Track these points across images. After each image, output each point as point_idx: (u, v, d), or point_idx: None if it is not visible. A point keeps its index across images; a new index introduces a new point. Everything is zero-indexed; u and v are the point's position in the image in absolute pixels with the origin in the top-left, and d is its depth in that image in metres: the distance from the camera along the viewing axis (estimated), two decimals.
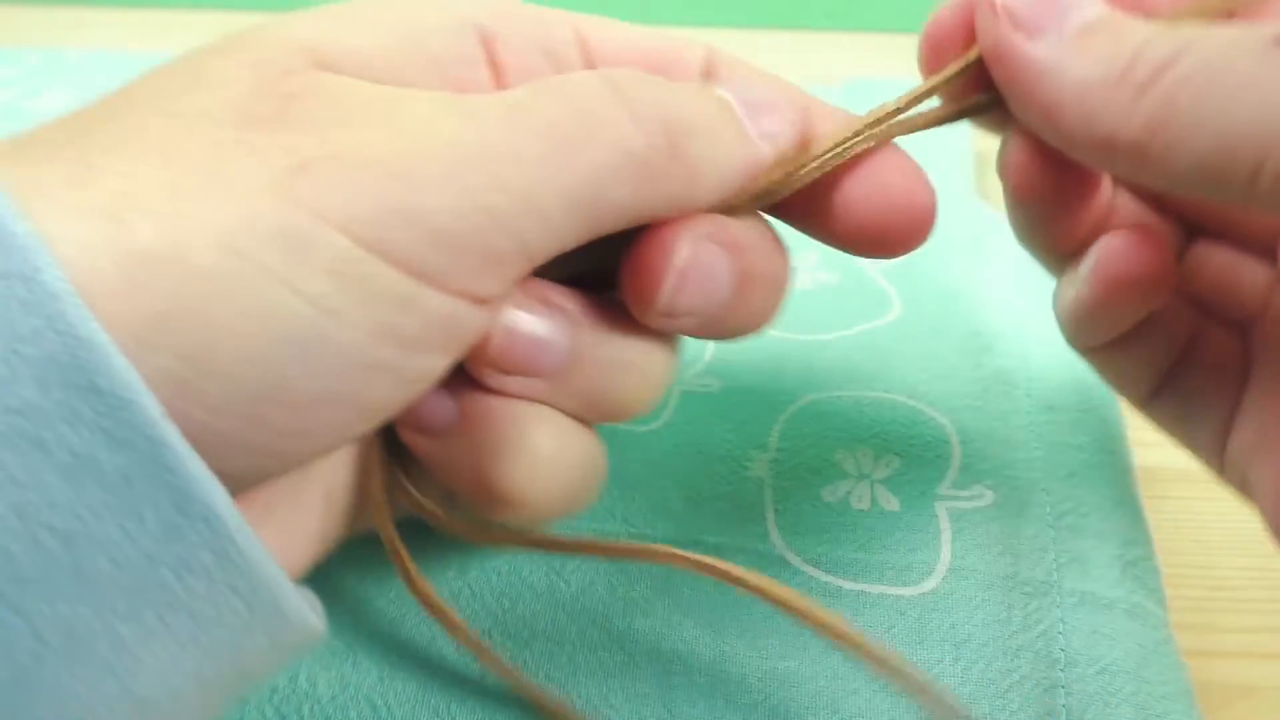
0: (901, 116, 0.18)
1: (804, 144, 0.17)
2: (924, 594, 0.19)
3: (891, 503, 0.21)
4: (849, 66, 0.51)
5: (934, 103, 0.18)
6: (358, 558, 0.20)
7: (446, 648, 0.18)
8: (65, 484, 0.11)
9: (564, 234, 0.15)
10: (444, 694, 0.18)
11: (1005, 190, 0.19)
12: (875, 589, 0.19)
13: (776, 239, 0.18)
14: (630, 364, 0.17)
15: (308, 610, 0.14)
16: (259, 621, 0.13)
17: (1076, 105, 0.15)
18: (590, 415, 0.17)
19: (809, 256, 0.29)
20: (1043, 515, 0.20)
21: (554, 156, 0.15)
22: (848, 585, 0.19)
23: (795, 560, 0.20)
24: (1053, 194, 0.18)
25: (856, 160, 0.17)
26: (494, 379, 0.16)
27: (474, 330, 0.15)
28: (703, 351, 0.24)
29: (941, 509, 0.21)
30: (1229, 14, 0.17)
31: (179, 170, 0.13)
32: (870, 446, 0.22)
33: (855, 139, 0.17)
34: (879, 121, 0.18)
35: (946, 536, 0.20)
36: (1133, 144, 0.15)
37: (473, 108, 0.15)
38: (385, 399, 0.14)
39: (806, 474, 0.21)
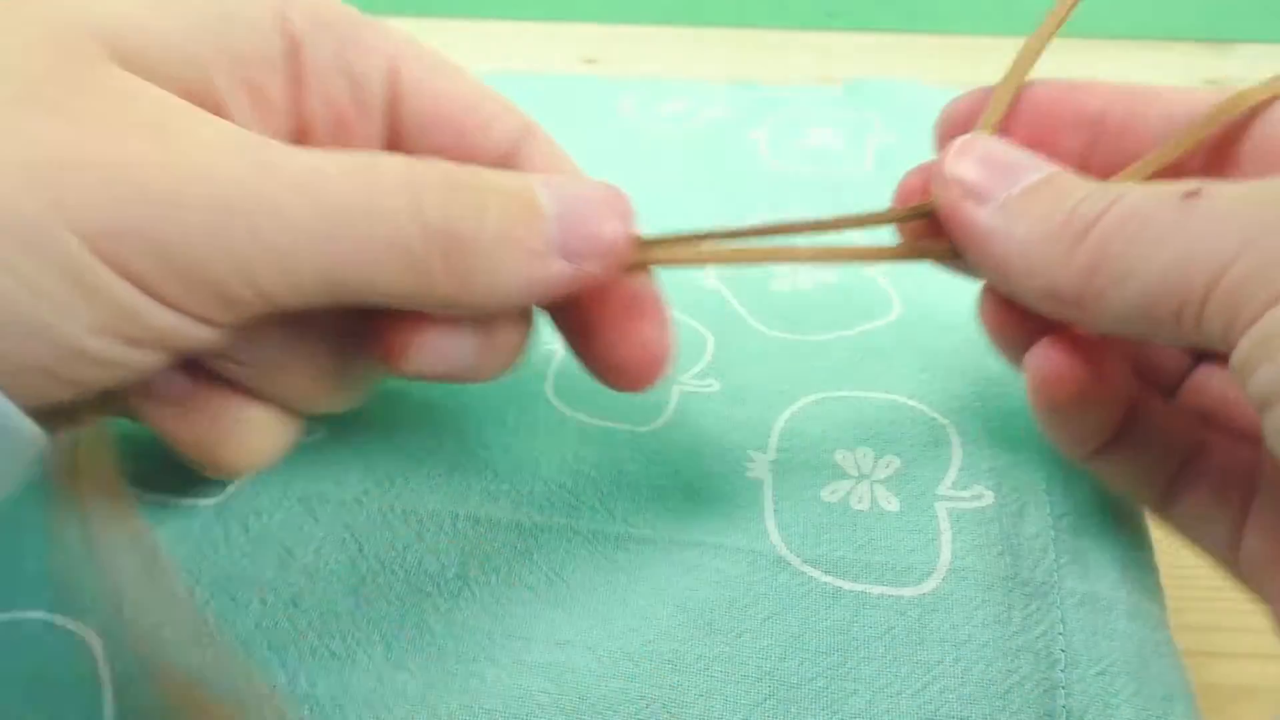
0: (857, 246, 0.19)
1: (627, 247, 0.17)
2: (924, 594, 0.19)
3: (892, 503, 0.21)
4: (848, 66, 0.51)
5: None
6: (356, 557, 0.20)
7: (447, 647, 0.18)
8: None
9: (313, 299, 0.15)
10: (443, 695, 0.18)
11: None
12: (875, 590, 0.19)
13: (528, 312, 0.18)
14: (329, 373, 0.18)
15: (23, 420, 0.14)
16: None
17: (1021, 260, 0.17)
18: (297, 408, 0.19)
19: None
20: (1043, 516, 0.20)
21: (328, 237, 0.14)
22: (848, 586, 0.19)
23: (795, 561, 0.20)
24: (1021, 337, 0.19)
25: (623, 309, 0.18)
26: (220, 366, 0.17)
27: (205, 340, 0.15)
28: (702, 352, 0.24)
29: (942, 509, 0.21)
30: (1177, 169, 0.19)
31: None
32: (870, 447, 0.22)
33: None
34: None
35: (946, 537, 0.20)
36: (1072, 292, 0.16)
37: (264, 158, 0.15)
38: (99, 379, 0.15)
39: (806, 474, 0.21)
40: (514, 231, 0.16)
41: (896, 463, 0.22)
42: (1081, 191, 0.17)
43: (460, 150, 0.18)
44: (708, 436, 0.22)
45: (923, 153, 0.35)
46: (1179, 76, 0.51)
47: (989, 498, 0.21)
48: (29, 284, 0.13)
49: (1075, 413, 0.19)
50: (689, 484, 0.21)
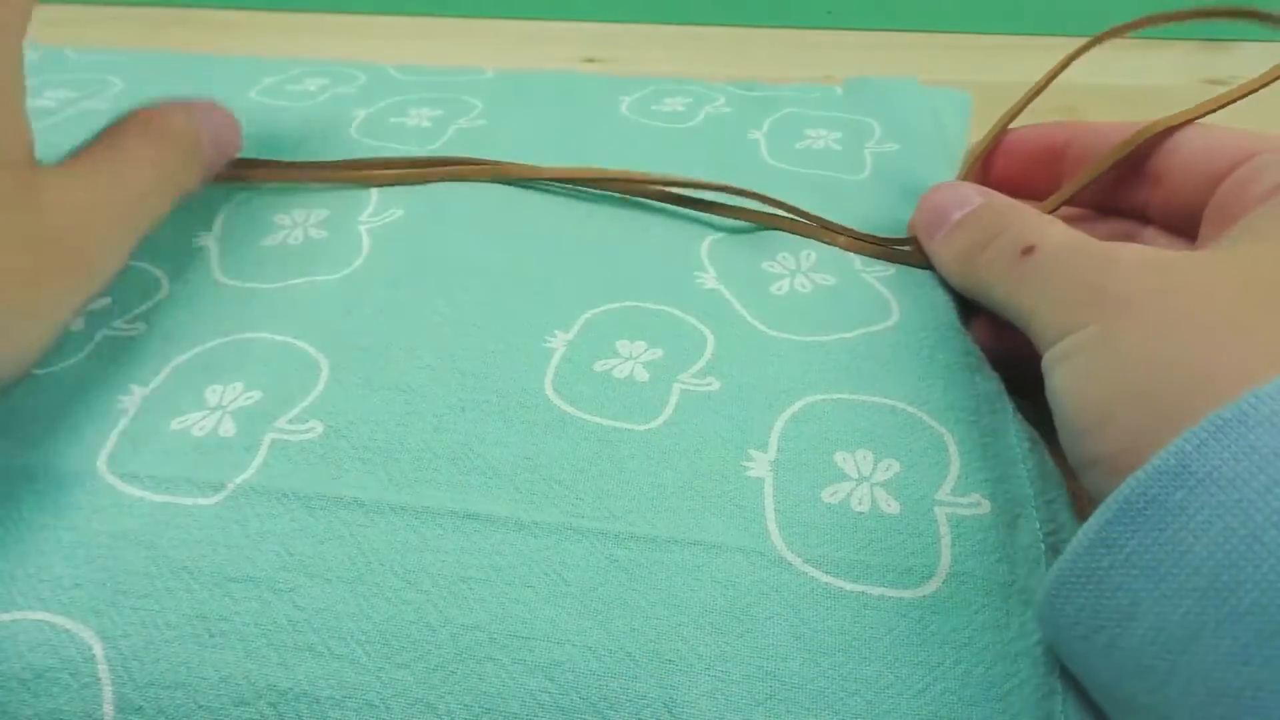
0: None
1: None
2: (924, 597, 0.19)
3: (892, 506, 0.21)
4: (848, 64, 0.51)
5: None
6: (356, 555, 0.20)
7: (446, 646, 0.18)
8: None
9: None
10: (443, 694, 0.18)
11: None
12: (876, 590, 0.19)
13: None
14: None
15: None
16: None
17: (948, 272, 0.27)
18: None
19: (807, 257, 0.29)
20: (1033, 529, 0.21)
21: None
22: (849, 586, 0.19)
23: (796, 561, 0.20)
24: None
25: None
26: None
27: None
28: (703, 350, 0.24)
29: (941, 513, 0.21)
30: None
31: None
32: (870, 449, 0.22)
33: None
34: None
35: (946, 541, 0.20)
36: (972, 295, 0.25)
37: None
38: None
39: (807, 475, 0.21)
40: (196, 172, 0.27)
41: (896, 466, 0.22)
42: (980, 231, 0.25)
43: None
44: (708, 435, 0.22)
45: (920, 162, 0.36)
46: (1179, 76, 0.52)
47: (986, 506, 0.21)
48: None
49: None
50: (689, 482, 0.21)
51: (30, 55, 0.47)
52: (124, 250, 0.23)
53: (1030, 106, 0.49)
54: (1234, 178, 0.23)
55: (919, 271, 0.28)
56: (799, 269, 0.28)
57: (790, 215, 0.30)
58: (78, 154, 0.23)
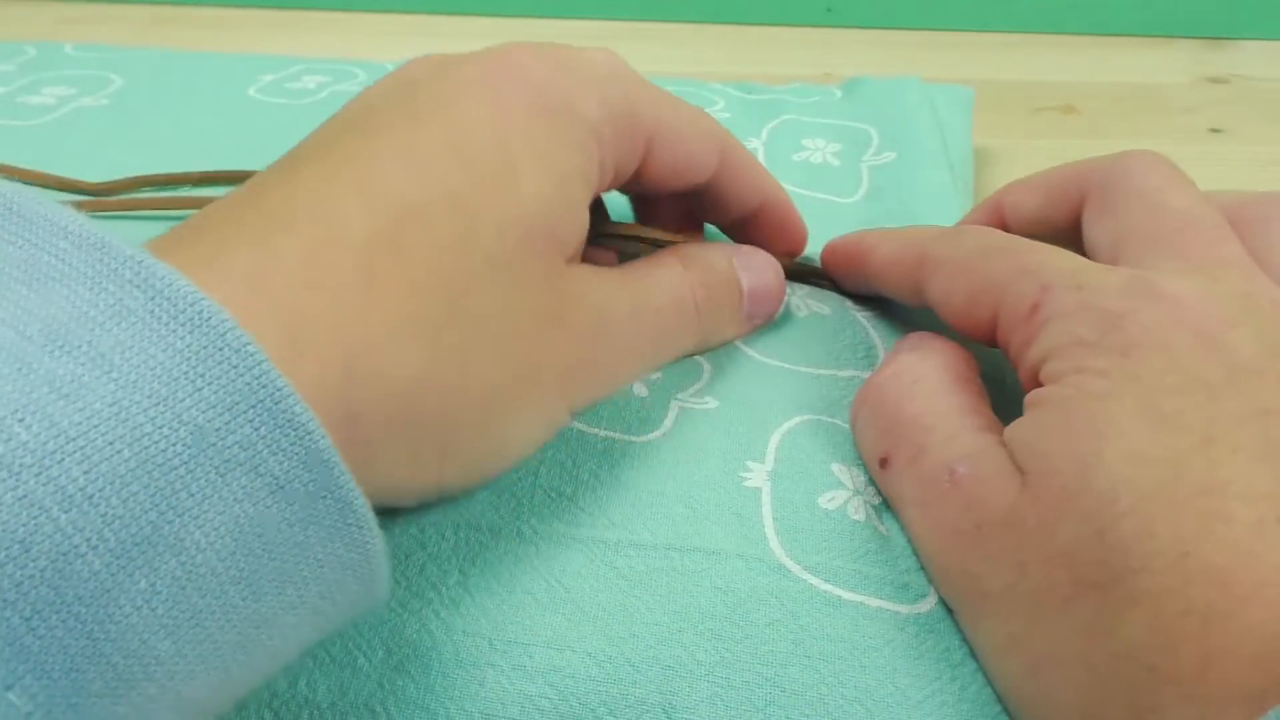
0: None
1: None
2: (920, 613, 0.19)
3: (885, 526, 0.21)
4: (848, 62, 0.51)
5: None
6: None
7: (447, 653, 0.18)
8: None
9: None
10: (444, 700, 0.18)
11: None
12: (874, 602, 0.19)
13: None
14: None
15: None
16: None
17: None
18: None
19: (800, 285, 0.29)
20: None
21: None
22: (847, 595, 0.19)
23: (795, 568, 0.20)
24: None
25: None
26: None
27: None
28: (699, 374, 0.24)
29: None
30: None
31: None
32: (862, 468, 0.22)
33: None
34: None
35: None
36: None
37: (623, 297, 0.23)
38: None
39: (804, 483, 0.21)
40: (733, 314, 0.25)
41: None
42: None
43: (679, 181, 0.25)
44: (706, 447, 0.22)
45: (918, 170, 0.36)
46: (1180, 74, 0.52)
47: None
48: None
49: None
50: (688, 491, 0.21)
51: (28, 51, 0.47)
52: (639, 368, 0.24)
53: (1032, 105, 0.49)
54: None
55: (900, 310, 0.28)
56: (793, 293, 0.28)
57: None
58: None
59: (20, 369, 0.12)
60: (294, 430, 0.14)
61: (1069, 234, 0.24)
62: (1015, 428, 0.19)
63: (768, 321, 0.26)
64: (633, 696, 0.18)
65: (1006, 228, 0.26)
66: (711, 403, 0.23)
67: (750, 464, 0.22)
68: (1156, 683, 0.15)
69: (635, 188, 0.24)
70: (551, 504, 0.21)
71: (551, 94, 0.20)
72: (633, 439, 0.22)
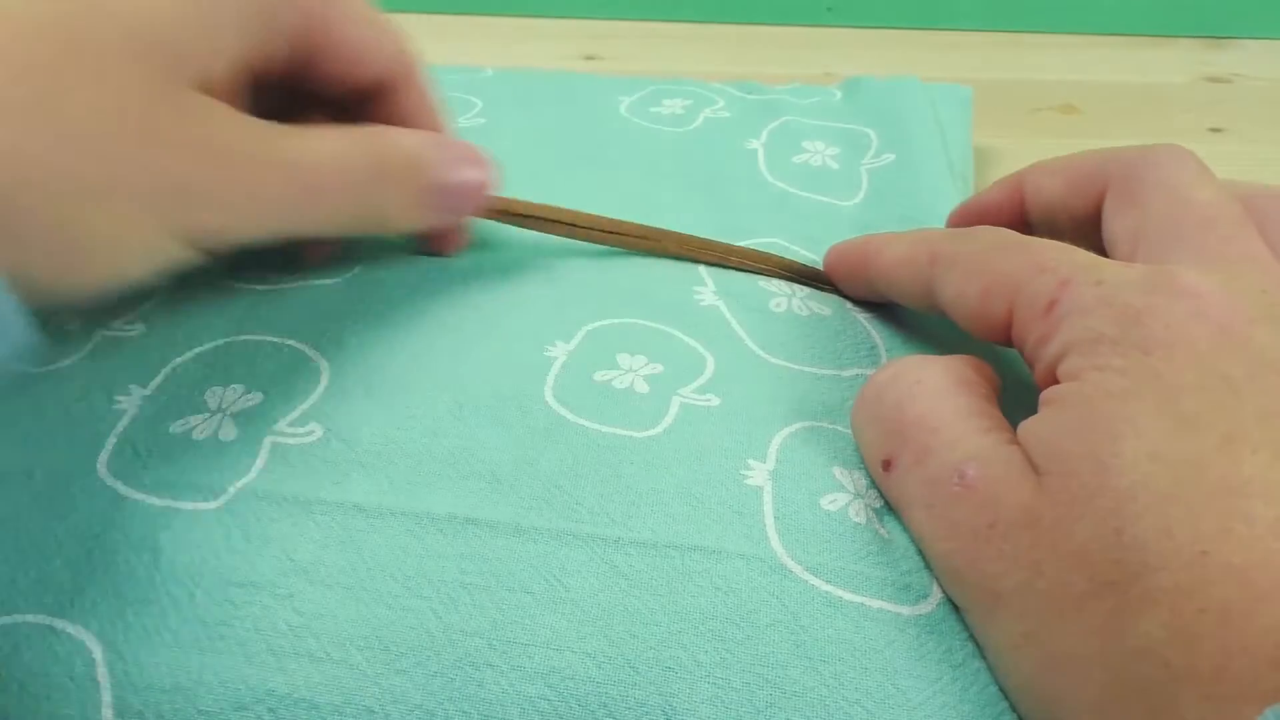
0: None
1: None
2: (920, 615, 0.19)
3: (885, 529, 0.21)
4: (848, 62, 0.51)
5: None
6: (356, 561, 0.20)
7: (445, 652, 0.18)
8: None
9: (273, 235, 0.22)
10: (442, 700, 0.18)
11: None
12: (875, 603, 0.19)
13: None
14: None
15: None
16: None
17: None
18: None
19: (801, 287, 0.29)
20: None
21: (303, 205, 0.22)
22: (848, 597, 0.19)
23: (797, 569, 0.20)
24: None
25: None
26: None
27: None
28: (702, 370, 0.24)
29: None
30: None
31: None
32: (864, 472, 0.22)
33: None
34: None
35: None
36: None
37: (275, 149, 0.21)
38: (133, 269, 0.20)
39: (805, 484, 0.21)
40: (410, 198, 0.24)
41: None
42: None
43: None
44: (707, 445, 0.22)
45: (917, 171, 0.36)
46: (1179, 73, 0.51)
47: None
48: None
49: None
50: (688, 489, 0.21)
51: None
52: (267, 226, 0.22)
53: (1032, 104, 0.49)
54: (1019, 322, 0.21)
55: (901, 312, 0.28)
56: (794, 294, 0.28)
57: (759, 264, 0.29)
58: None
59: None
60: None
61: (1088, 223, 0.24)
62: (1031, 425, 0.19)
63: (460, 217, 0.26)
64: (632, 698, 0.18)
65: (1024, 208, 0.26)
66: (714, 400, 0.23)
67: (752, 463, 0.22)
68: (1173, 681, 0.15)
69: (300, 81, 0.24)
70: (551, 499, 0.21)
71: None
72: (633, 434, 0.22)
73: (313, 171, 0.22)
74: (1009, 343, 0.22)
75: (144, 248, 0.20)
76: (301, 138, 0.21)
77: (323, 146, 0.22)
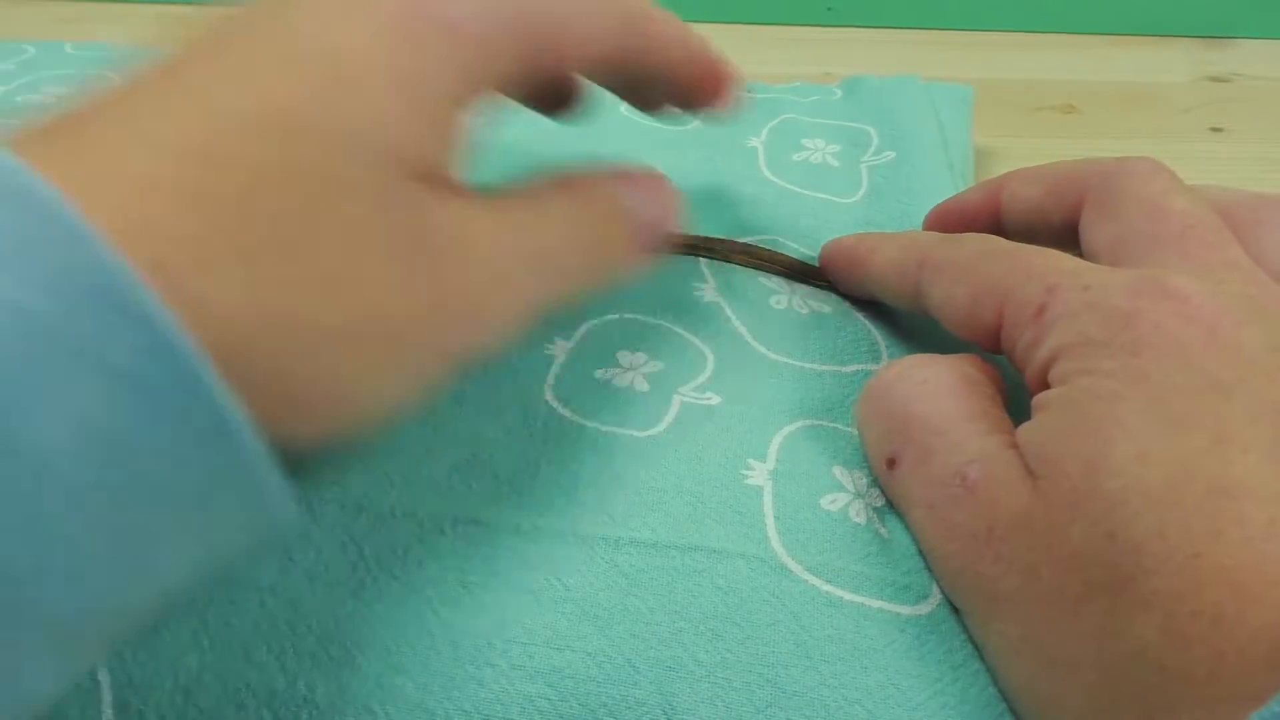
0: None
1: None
2: (921, 615, 0.19)
3: (886, 529, 0.21)
4: (848, 61, 0.51)
5: None
6: (357, 560, 0.20)
7: (446, 652, 0.18)
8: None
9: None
10: (442, 699, 0.18)
11: None
12: (875, 603, 0.19)
13: None
14: None
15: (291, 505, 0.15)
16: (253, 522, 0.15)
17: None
18: None
19: (800, 285, 0.29)
20: None
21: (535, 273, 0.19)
22: (848, 597, 0.19)
23: (797, 569, 0.20)
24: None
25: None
26: None
27: None
28: (703, 368, 0.24)
29: None
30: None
31: None
32: (864, 471, 0.22)
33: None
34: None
35: None
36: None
37: (496, 225, 0.18)
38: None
39: (805, 484, 0.21)
40: (625, 250, 0.22)
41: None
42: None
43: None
44: (707, 444, 0.22)
45: (917, 170, 0.36)
46: (1179, 73, 0.51)
47: None
48: None
49: None
50: (688, 489, 0.21)
51: (28, 50, 0.47)
52: (524, 312, 0.19)
53: (1032, 105, 0.49)
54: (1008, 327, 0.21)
55: (901, 313, 0.28)
56: (794, 291, 0.28)
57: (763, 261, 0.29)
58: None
59: None
60: (145, 323, 0.12)
61: (1064, 232, 0.24)
62: (1024, 430, 0.19)
63: (658, 245, 0.23)
64: (632, 697, 0.18)
65: (1001, 214, 0.26)
66: (714, 399, 0.23)
67: (752, 462, 0.22)
68: (1167, 684, 0.15)
69: (546, 77, 0.21)
70: (551, 499, 0.21)
71: (418, 2, 0.17)
72: (634, 433, 0.22)
73: (550, 255, 0.19)
74: (997, 348, 0.22)
75: (423, 380, 0.17)
76: (531, 214, 0.19)
77: (553, 221, 0.20)
